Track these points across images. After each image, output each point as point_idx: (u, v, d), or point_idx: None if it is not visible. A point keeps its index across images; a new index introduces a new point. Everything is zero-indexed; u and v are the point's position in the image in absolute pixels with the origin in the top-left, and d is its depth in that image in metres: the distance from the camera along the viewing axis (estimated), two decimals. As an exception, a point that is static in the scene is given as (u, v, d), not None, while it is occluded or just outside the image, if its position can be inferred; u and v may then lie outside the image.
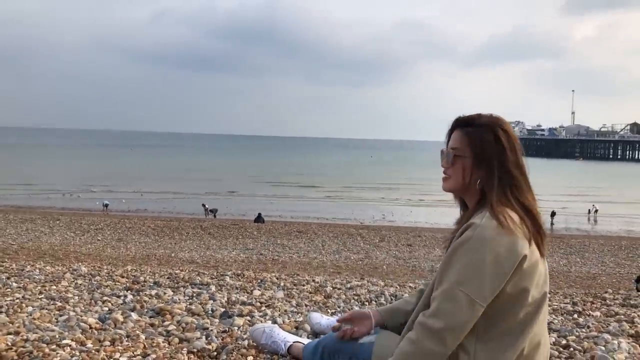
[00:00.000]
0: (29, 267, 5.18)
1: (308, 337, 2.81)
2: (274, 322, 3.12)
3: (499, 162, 1.74)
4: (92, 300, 3.55)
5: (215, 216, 27.13)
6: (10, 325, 2.82)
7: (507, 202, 1.72)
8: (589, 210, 33.15)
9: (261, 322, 3.09)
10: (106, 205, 28.04)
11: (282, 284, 4.52)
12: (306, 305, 3.65)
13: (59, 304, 3.40)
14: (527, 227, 1.70)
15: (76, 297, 3.64)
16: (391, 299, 4.16)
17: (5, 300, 3.41)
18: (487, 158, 1.75)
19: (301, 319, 3.23)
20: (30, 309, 3.22)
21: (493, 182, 1.74)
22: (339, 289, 4.50)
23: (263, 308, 3.49)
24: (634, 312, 3.94)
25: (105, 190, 37.87)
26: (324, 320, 2.92)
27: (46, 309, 3.26)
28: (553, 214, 28.34)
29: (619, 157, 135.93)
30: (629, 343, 2.91)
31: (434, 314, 1.63)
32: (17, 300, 3.45)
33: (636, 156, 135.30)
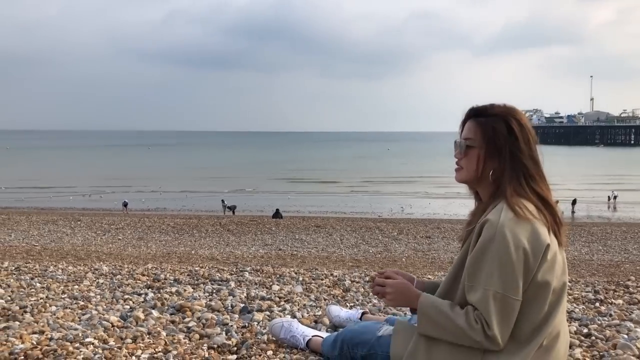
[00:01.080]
0: (52, 267, 5.27)
1: (327, 331, 2.82)
2: (293, 316, 3.14)
3: (512, 152, 1.72)
4: (114, 299, 3.60)
5: (234, 213, 27.27)
6: (35, 324, 2.88)
7: (521, 192, 1.71)
8: (609, 197, 32.69)
9: (280, 316, 3.10)
10: (125, 205, 28.32)
11: (300, 279, 4.53)
12: (325, 299, 3.67)
13: (82, 303, 3.46)
14: (545, 217, 1.70)
15: (98, 296, 3.69)
16: (371, 282, 4.15)
17: (30, 300, 3.47)
18: (499, 148, 1.74)
19: (320, 312, 3.24)
20: (54, 308, 3.28)
21: (506, 172, 1.73)
22: (358, 282, 4.51)
23: (282, 303, 3.51)
24: (658, 300, 3.89)
25: (124, 189, 38.30)
26: (343, 313, 2.93)
27: (69, 308, 3.32)
28: (574, 202, 28.01)
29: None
30: (652, 331, 2.87)
31: (481, 321, 1.62)
32: (41, 300, 3.51)
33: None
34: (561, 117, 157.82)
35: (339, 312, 2.95)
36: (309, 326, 2.88)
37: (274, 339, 2.58)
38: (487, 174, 1.76)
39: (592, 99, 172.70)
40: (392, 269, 2.07)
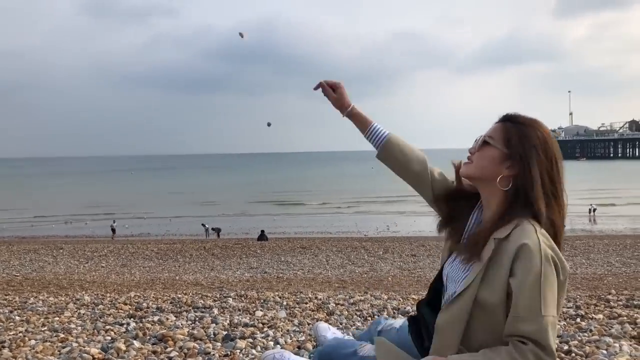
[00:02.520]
0: (32, 298, 5.20)
1: (310, 357, 2.82)
2: (276, 342, 3.13)
3: (527, 165, 1.66)
4: (95, 330, 3.56)
5: (219, 235, 27.11)
6: (13, 360, 2.84)
7: (533, 210, 1.65)
8: (589, 210, 33.13)
9: (263, 343, 3.10)
10: (114, 231, 28.11)
11: (284, 303, 4.52)
12: (308, 324, 3.66)
13: (62, 335, 3.42)
14: (556, 240, 1.66)
15: (79, 328, 3.65)
16: (394, 313, 4.16)
17: (8, 335, 3.42)
18: (514, 155, 1.68)
19: (303, 338, 3.24)
20: (33, 342, 3.24)
21: (521, 185, 1.67)
22: (342, 304, 4.51)
23: (265, 329, 3.49)
24: (637, 313, 3.94)
25: (107, 216, 37.95)
26: (330, 334, 2.90)
27: (49, 341, 3.27)
28: None
29: (619, 155, 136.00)
30: (630, 345, 2.91)
31: (539, 351, 1.53)
32: (20, 334, 3.46)
33: (636, 153, 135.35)
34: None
35: (326, 332, 2.92)
36: (292, 352, 2.87)
37: None
38: (493, 177, 1.70)
39: (571, 114, 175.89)
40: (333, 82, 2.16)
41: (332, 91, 2.15)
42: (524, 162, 1.66)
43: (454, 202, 1.93)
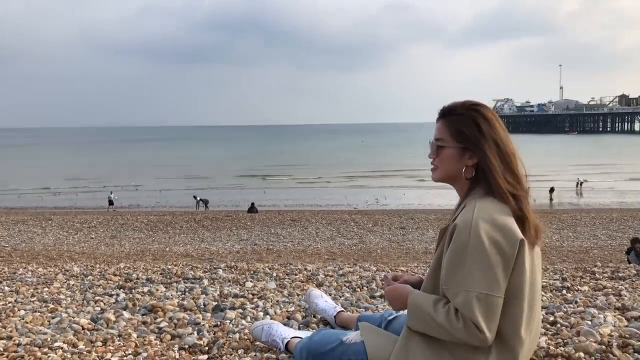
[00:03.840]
0: (21, 269, 5.18)
1: (299, 327, 2.84)
2: (266, 313, 3.15)
3: (481, 149, 1.75)
4: (85, 301, 3.56)
5: (207, 207, 27.10)
6: (3, 330, 2.83)
7: (492, 189, 1.73)
8: (577, 183, 33.44)
9: (253, 313, 3.12)
10: (111, 202, 27.99)
11: (274, 274, 4.54)
12: (298, 295, 3.68)
13: (51, 306, 3.41)
14: (516, 214, 1.72)
15: (68, 299, 3.65)
16: (382, 284, 4.20)
17: (-2, 305, 3.41)
18: (469, 146, 1.77)
19: (292, 308, 3.26)
20: (22, 312, 3.23)
21: (478, 169, 1.76)
22: (331, 276, 4.53)
23: (255, 300, 3.51)
24: (622, 285, 4.00)
25: (96, 187, 37.76)
26: (321, 303, 2.91)
27: (38, 311, 3.27)
28: (552, 190, 28.49)
29: (608, 129, 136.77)
30: (614, 316, 2.96)
31: (464, 320, 1.61)
32: (10, 305, 3.45)
33: (625, 127, 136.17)
34: (532, 106, 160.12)
35: (318, 299, 2.95)
36: (281, 322, 2.90)
37: (257, 342, 2.56)
38: (459, 172, 1.79)
39: (561, 88, 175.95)
40: (395, 273, 2.08)
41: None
42: (479, 150, 1.75)
43: None
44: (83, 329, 2.85)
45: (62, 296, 3.73)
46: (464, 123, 1.78)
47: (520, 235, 1.66)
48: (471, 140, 1.76)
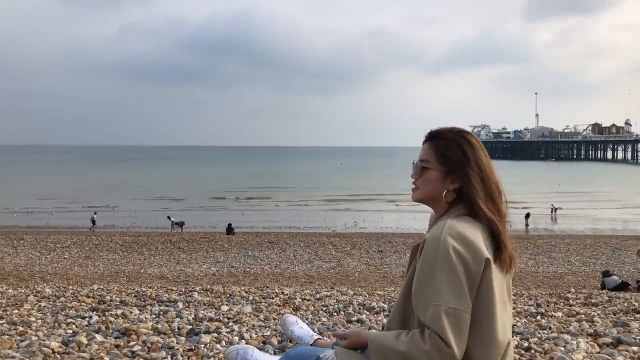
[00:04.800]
0: (-10, 290, 5.06)
1: (275, 352, 2.82)
2: (242, 337, 3.12)
3: (464, 173, 1.80)
4: (56, 323, 3.49)
5: (182, 229, 26.80)
6: (-31, 353, 2.76)
7: (469, 212, 1.77)
8: (551, 209, 33.96)
9: (228, 338, 3.08)
10: (94, 222, 27.54)
11: (250, 298, 4.51)
12: (274, 319, 3.66)
13: (21, 328, 3.34)
14: (494, 241, 1.76)
15: (39, 321, 3.57)
16: (359, 308, 4.19)
17: (-35, 328, 3.32)
18: (452, 170, 1.82)
19: (269, 333, 3.23)
20: (-10, 335, 3.15)
21: (458, 194, 1.81)
22: (308, 300, 4.52)
23: (230, 324, 3.48)
24: (594, 311, 4.06)
25: (72, 207, 37.17)
26: (297, 330, 2.89)
27: (7, 334, 3.19)
28: (527, 216, 28.83)
29: (582, 157, 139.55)
30: (587, 342, 3.00)
31: (432, 340, 1.61)
32: (-23, 327, 3.37)
33: (599, 155, 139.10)
34: (508, 133, 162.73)
35: (294, 326, 2.91)
36: (257, 347, 2.87)
37: None
38: (440, 195, 1.83)
39: (537, 115, 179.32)
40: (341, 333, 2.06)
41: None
42: (463, 174, 1.80)
43: None
44: (53, 352, 2.79)
45: (32, 318, 3.65)
46: (450, 148, 1.84)
47: (486, 254, 1.68)
48: (456, 165, 1.81)
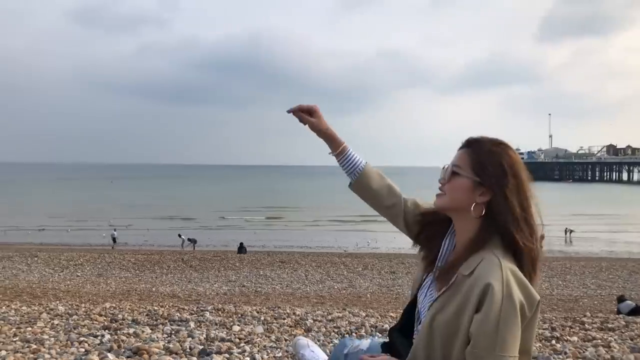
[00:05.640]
0: (4, 307, 5.09)
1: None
2: (253, 358, 3.11)
3: (499, 189, 1.64)
4: (69, 342, 3.50)
5: (194, 247, 26.87)
6: (-17, 371, 2.77)
7: (508, 242, 1.64)
8: (565, 231, 33.63)
9: (239, 359, 3.07)
10: (114, 239, 27.85)
11: (262, 318, 4.50)
12: (286, 340, 3.64)
13: (34, 346, 3.35)
14: (525, 268, 1.65)
15: (52, 339, 3.58)
16: (372, 330, 4.16)
17: (-21, 345, 3.34)
18: (485, 181, 1.67)
19: (280, 354, 3.22)
20: (3, 352, 3.16)
21: (492, 213, 1.66)
22: (320, 321, 4.49)
23: (242, 344, 3.47)
24: (611, 337, 3.99)
25: (83, 224, 37.43)
26: (308, 352, 2.86)
27: (20, 352, 3.21)
28: (542, 237, 28.55)
29: (597, 178, 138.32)
30: (604, 369, 2.95)
31: None
32: (-9, 344, 3.38)
33: (614, 177, 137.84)
34: (522, 154, 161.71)
35: (305, 349, 2.88)
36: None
37: None
38: (468, 206, 1.68)
39: (550, 136, 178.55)
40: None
41: (309, 115, 2.10)
42: (496, 188, 1.64)
43: (426, 225, 1.92)
44: (66, 371, 2.80)
45: (45, 336, 3.66)
46: (488, 158, 1.68)
47: (537, 296, 1.60)
48: (490, 177, 1.66)
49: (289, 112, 2.10)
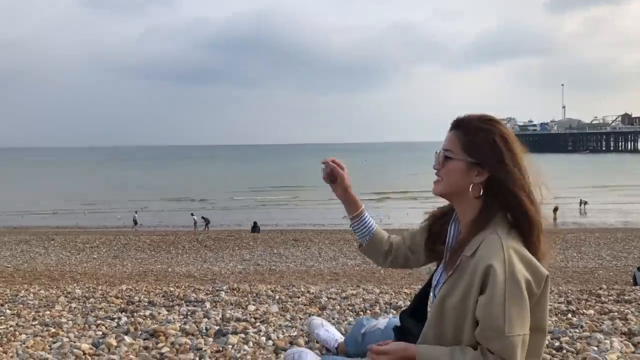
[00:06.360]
0: (23, 291, 5.16)
1: (307, 344, 2.82)
2: (269, 338, 3.12)
3: (492, 166, 1.63)
4: (86, 325, 3.54)
5: (207, 226, 27.06)
6: (4, 355, 2.81)
7: (508, 217, 1.64)
8: (580, 202, 33.43)
9: (255, 339, 3.09)
10: (135, 222, 28.20)
11: (277, 297, 4.51)
12: (301, 319, 3.65)
13: (53, 330, 3.39)
14: (531, 242, 1.64)
15: (70, 322, 3.62)
16: (386, 307, 4.16)
17: (-1, 329, 3.39)
18: (480, 161, 1.65)
19: (295, 333, 3.23)
20: (23, 336, 3.21)
21: (490, 191, 1.65)
22: (334, 299, 4.50)
23: (257, 324, 3.48)
24: (628, 309, 3.96)
25: (99, 207, 37.79)
26: (323, 332, 2.88)
27: (40, 335, 3.25)
28: (556, 210, 28.45)
29: (611, 148, 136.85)
30: (621, 342, 2.93)
31: None
32: (11, 328, 3.43)
33: (629, 147, 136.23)
34: (534, 125, 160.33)
35: (320, 328, 2.91)
36: (284, 348, 2.88)
37: None
38: (466, 188, 1.67)
39: (563, 107, 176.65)
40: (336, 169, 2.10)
41: (341, 169, 2.13)
42: (491, 166, 1.63)
43: (432, 225, 1.93)
44: (84, 354, 2.83)
45: (63, 320, 3.70)
46: (479, 136, 1.66)
47: (545, 272, 1.59)
48: (484, 155, 1.64)
49: (324, 162, 2.14)
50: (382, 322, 2.23)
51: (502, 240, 1.58)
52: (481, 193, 1.65)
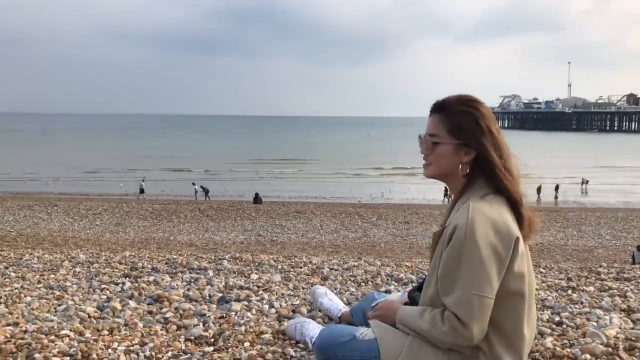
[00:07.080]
0: (27, 255, 5.20)
1: (310, 312, 2.85)
2: (271, 306, 3.15)
3: (477, 145, 1.73)
4: (91, 289, 3.57)
5: (207, 196, 27.08)
6: (9, 316, 2.85)
7: (488, 187, 1.73)
8: (581, 181, 33.44)
9: (258, 306, 3.12)
10: (142, 191, 28.02)
11: (279, 267, 4.55)
12: (303, 288, 3.69)
13: (58, 293, 3.43)
14: (512, 211, 1.73)
15: (74, 286, 3.66)
16: (387, 279, 4.20)
17: (4, 291, 3.43)
18: (466, 142, 1.74)
19: (298, 302, 3.26)
20: (28, 299, 3.24)
21: (475, 166, 1.76)
22: (336, 270, 4.53)
23: (260, 292, 3.51)
24: (627, 286, 3.99)
25: (102, 174, 37.86)
26: (326, 301, 2.91)
27: (45, 298, 3.28)
28: (557, 188, 28.45)
29: (615, 128, 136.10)
30: (620, 318, 2.95)
31: (451, 322, 1.65)
32: (16, 290, 3.47)
33: (633, 127, 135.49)
34: (539, 103, 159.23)
35: (323, 297, 2.95)
36: (287, 316, 2.91)
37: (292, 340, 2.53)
38: (456, 169, 1.77)
39: (569, 85, 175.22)
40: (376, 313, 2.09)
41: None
42: (478, 145, 1.73)
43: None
44: (89, 317, 2.86)
45: (68, 283, 3.74)
46: (462, 118, 1.75)
47: (516, 232, 1.67)
48: (470, 136, 1.74)
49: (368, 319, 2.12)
50: (393, 296, 2.30)
51: (472, 203, 1.68)
52: (468, 171, 1.76)
